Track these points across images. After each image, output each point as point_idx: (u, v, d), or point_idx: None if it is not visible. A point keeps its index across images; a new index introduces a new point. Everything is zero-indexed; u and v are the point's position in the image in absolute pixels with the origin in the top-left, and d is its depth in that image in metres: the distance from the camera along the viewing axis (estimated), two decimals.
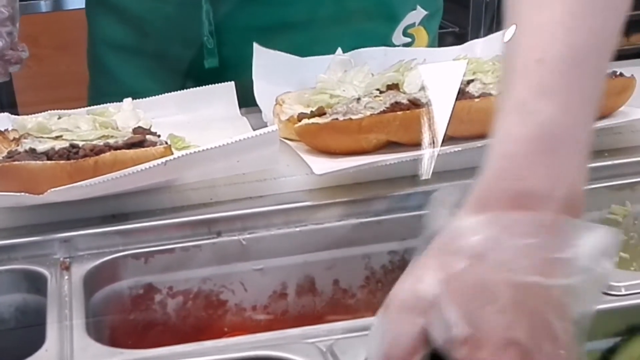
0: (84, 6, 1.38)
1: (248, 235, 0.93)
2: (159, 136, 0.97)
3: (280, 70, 1.16)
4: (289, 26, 1.21)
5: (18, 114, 1.07)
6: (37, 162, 0.90)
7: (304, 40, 1.21)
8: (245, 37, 1.18)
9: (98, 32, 1.33)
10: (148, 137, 0.95)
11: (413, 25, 1.29)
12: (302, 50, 1.17)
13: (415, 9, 1.28)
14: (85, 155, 0.90)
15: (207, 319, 0.93)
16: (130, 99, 1.07)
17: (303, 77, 1.15)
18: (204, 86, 1.18)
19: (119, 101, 1.08)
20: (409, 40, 1.29)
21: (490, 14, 2.67)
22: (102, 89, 1.33)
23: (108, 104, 1.08)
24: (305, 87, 1.11)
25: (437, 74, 1.03)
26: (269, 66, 1.16)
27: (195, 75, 1.24)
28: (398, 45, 1.28)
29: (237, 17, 1.21)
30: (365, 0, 1.24)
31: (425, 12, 1.29)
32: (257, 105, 1.13)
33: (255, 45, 1.16)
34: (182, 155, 0.90)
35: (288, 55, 1.18)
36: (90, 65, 1.38)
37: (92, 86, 1.39)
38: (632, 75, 1.05)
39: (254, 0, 1.20)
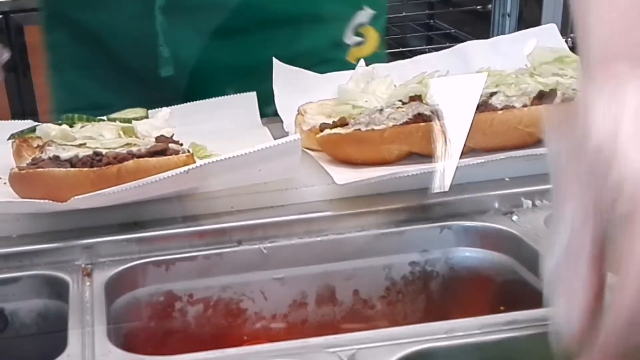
0: None
1: (269, 244, 0.93)
2: (181, 145, 0.98)
3: (299, 85, 1.17)
4: (241, 30, 1.23)
5: (39, 122, 1.08)
6: (61, 169, 0.91)
7: (256, 42, 1.23)
8: (197, 42, 1.21)
9: (54, 48, 1.34)
10: (170, 145, 0.95)
11: (363, 24, 1.32)
12: (255, 52, 1.17)
13: (362, 9, 1.31)
14: (108, 163, 0.91)
15: (226, 327, 0.93)
16: (168, 109, 1.08)
17: (322, 91, 1.15)
18: (224, 96, 1.19)
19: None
20: (360, 39, 1.31)
21: (511, 26, 2.67)
22: (64, 105, 1.33)
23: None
24: (327, 98, 1.11)
25: (459, 85, 1.03)
26: (288, 81, 1.17)
27: (154, 83, 1.25)
28: (350, 45, 1.31)
29: (189, 25, 1.22)
30: (312, 1, 1.26)
31: (372, 12, 1.32)
32: (268, 115, 1.14)
33: (275, 61, 1.17)
34: (204, 164, 0.90)
35: (306, 71, 1.19)
36: (50, 82, 1.38)
37: (54, 103, 1.38)
38: None
39: (204, 7, 1.21)
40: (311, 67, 1.21)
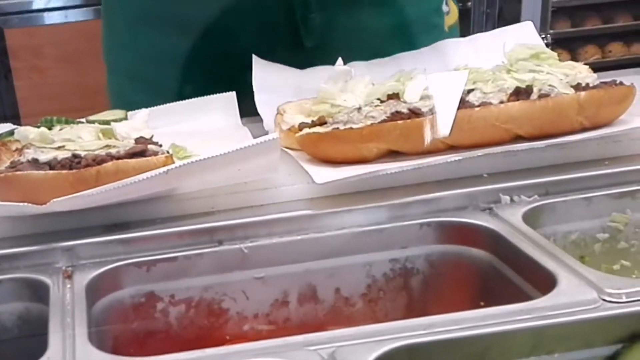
0: (87, 18, 1.39)
1: (249, 244, 0.93)
2: (160, 146, 0.98)
3: (280, 81, 1.17)
4: None
5: (21, 125, 1.08)
6: (40, 172, 0.90)
7: (370, 10, 1.25)
8: (326, 12, 1.23)
9: (144, 48, 1.35)
10: (150, 146, 0.95)
11: None
12: (370, 20, 1.19)
13: None
14: (87, 165, 0.91)
15: (208, 327, 0.93)
16: (147, 110, 1.08)
17: (303, 87, 1.16)
18: (207, 96, 1.19)
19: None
20: (448, 8, 1.37)
21: (491, 23, 2.68)
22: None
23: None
24: (305, 97, 1.12)
25: (437, 83, 1.03)
26: (269, 78, 1.17)
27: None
28: (445, 13, 1.37)
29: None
30: None
31: None
32: (258, 114, 1.14)
33: (254, 57, 1.17)
34: (184, 164, 0.90)
35: (286, 67, 1.19)
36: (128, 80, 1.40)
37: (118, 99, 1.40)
38: (632, 83, 1.05)
39: None
40: (421, 34, 1.26)
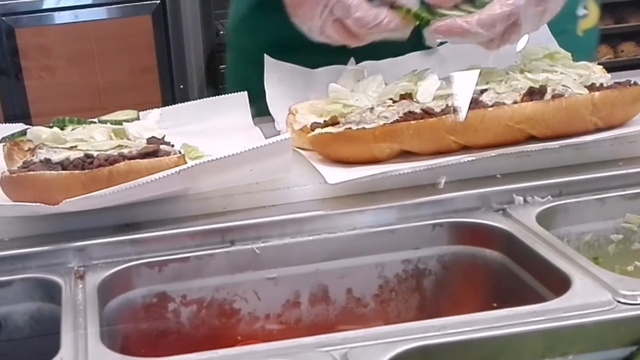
0: (97, 18, 1.39)
1: (261, 244, 0.93)
2: (172, 146, 0.98)
3: (292, 81, 1.17)
4: None
5: (32, 125, 1.08)
6: (52, 172, 0.90)
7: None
8: None
9: (270, 35, 1.31)
10: (162, 146, 0.95)
11: None
12: None
13: None
14: (99, 165, 0.91)
15: (220, 327, 0.93)
16: (159, 110, 1.07)
17: (315, 87, 1.15)
18: (218, 96, 1.19)
19: None
20: (586, 12, 1.35)
21: None
22: None
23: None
24: (318, 97, 1.12)
25: (450, 83, 1.03)
26: (281, 77, 1.17)
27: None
28: (579, 17, 1.34)
29: None
30: None
31: None
32: (270, 114, 1.14)
33: (266, 57, 1.16)
34: (196, 165, 0.90)
35: (298, 66, 1.18)
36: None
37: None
38: None
39: None
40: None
